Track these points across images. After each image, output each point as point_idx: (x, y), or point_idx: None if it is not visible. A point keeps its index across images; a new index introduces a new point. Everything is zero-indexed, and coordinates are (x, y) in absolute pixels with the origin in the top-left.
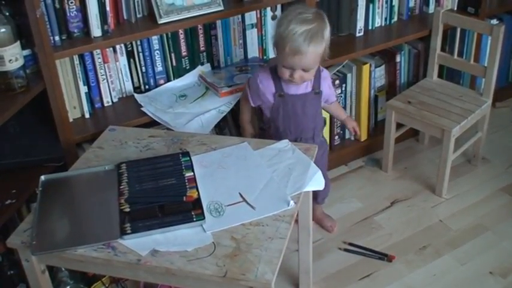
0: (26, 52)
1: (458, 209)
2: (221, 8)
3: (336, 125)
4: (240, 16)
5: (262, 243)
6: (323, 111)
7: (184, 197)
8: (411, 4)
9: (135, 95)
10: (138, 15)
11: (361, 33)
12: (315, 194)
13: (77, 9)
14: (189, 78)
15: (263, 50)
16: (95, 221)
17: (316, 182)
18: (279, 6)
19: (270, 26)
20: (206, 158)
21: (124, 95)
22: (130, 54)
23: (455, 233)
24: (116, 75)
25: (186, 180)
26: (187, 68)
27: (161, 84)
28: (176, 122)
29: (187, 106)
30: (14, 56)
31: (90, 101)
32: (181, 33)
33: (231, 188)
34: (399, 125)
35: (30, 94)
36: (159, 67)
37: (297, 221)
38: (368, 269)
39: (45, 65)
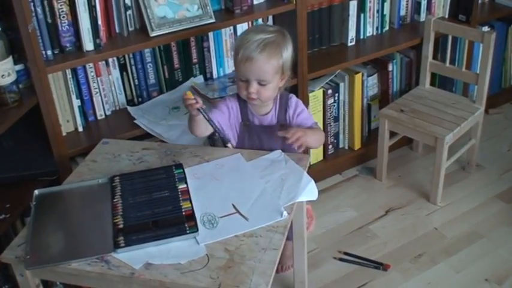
0: (19, 67)
1: (453, 216)
2: (213, 20)
3: (329, 134)
4: (231, 28)
5: (255, 255)
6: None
7: None
8: (402, 13)
9: (128, 107)
10: (130, 29)
11: (353, 43)
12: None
13: (69, 24)
14: (182, 90)
15: None
16: (88, 234)
17: (309, 192)
18: (270, 18)
19: None
20: (199, 170)
21: (117, 108)
22: (123, 67)
23: (450, 240)
24: (108, 88)
25: (180, 193)
26: (180, 80)
27: (154, 97)
28: (169, 134)
29: (181, 118)
30: (6, 71)
31: (83, 115)
32: (173, 46)
33: (224, 199)
34: (393, 134)
35: (23, 109)
36: (152, 79)
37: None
38: (363, 278)
39: (38, 79)
